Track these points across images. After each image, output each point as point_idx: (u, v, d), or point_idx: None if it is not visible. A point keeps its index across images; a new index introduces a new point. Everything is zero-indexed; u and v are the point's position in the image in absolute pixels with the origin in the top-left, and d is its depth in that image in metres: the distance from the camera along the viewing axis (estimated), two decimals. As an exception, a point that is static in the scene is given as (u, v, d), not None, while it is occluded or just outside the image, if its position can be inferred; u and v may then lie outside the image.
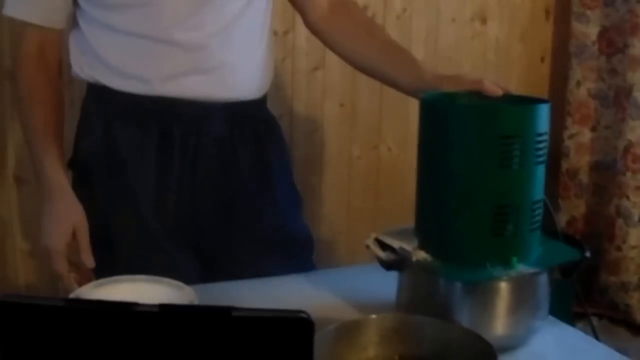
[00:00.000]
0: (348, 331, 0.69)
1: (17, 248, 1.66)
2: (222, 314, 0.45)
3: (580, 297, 0.89)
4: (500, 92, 0.84)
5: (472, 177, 0.75)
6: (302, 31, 1.70)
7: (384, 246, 0.83)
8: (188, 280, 0.86)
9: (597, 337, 0.87)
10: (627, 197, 2.00)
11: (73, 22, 1.02)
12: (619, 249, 2.03)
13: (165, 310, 0.46)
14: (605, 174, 2.13)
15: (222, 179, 1.04)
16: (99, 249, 1.03)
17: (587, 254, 0.81)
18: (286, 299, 0.92)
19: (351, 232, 1.98)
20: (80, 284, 0.90)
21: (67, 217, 0.91)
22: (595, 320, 2.00)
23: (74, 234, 0.92)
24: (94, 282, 0.89)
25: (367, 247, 0.84)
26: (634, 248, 2.01)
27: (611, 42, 2.05)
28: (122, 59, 0.97)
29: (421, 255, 0.78)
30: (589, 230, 2.19)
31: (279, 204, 1.09)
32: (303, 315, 0.45)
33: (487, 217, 0.75)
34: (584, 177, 2.18)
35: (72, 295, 0.84)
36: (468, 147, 0.74)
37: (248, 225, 1.06)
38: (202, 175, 1.03)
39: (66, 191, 0.93)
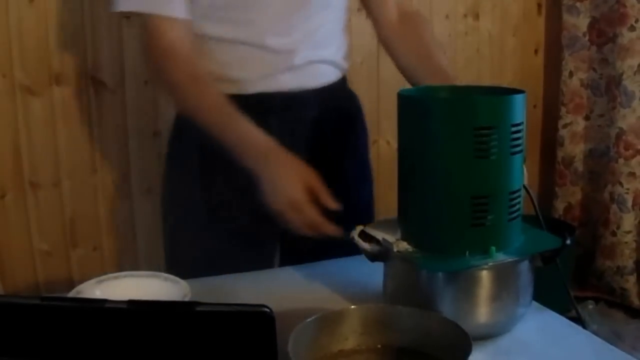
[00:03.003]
0: (329, 322, 0.67)
1: (34, 249, 1.67)
2: (187, 309, 0.44)
3: (564, 282, 0.86)
4: None
5: (449, 169, 0.73)
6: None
7: (370, 238, 0.82)
8: (269, 258, 0.96)
9: (583, 322, 0.85)
10: (620, 184, 1.97)
11: None
12: (614, 234, 2.00)
13: (134, 305, 0.45)
14: (599, 161, 2.09)
15: (314, 159, 0.99)
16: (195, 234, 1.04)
17: (568, 242, 0.78)
18: (278, 291, 0.91)
19: (355, 223, 1.97)
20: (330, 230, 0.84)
21: (295, 167, 0.85)
22: (592, 304, 1.98)
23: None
24: (95, 279, 0.89)
25: (352, 239, 0.82)
26: (628, 233, 1.98)
27: (601, 33, 2.02)
28: (224, 63, 0.98)
29: (403, 246, 0.76)
30: (585, 217, 2.17)
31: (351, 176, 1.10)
32: (265, 309, 0.43)
33: (465, 207, 0.73)
34: (579, 165, 2.15)
35: (73, 292, 0.84)
36: (444, 139, 0.72)
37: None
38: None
39: (279, 148, 0.87)
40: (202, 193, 1.04)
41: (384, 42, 1.10)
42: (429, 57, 1.05)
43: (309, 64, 1.02)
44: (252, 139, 0.86)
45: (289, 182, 0.82)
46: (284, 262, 1.04)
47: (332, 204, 0.83)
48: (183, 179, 1.06)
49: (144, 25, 0.92)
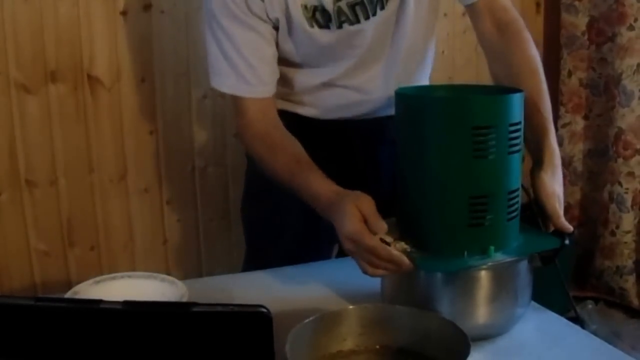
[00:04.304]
0: (327, 322, 0.67)
1: (31, 248, 1.67)
2: (183, 310, 0.44)
3: (563, 282, 0.86)
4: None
5: (447, 168, 0.73)
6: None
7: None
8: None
9: (582, 322, 0.85)
10: (620, 184, 1.97)
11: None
12: (613, 234, 2.00)
13: (129, 306, 0.45)
14: (599, 161, 2.10)
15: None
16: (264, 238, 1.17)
17: (567, 242, 0.78)
18: (276, 291, 0.91)
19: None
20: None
21: (349, 201, 0.83)
22: (591, 304, 1.98)
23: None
24: (92, 280, 0.89)
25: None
26: (627, 233, 1.98)
27: (600, 32, 2.02)
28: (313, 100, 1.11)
29: (401, 246, 0.76)
30: (585, 216, 2.17)
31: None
32: (262, 310, 0.43)
33: (463, 207, 0.73)
34: (578, 165, 2.15)
35: (70, 292, 0.84)
36: (442, 138, 0.72)
37: None
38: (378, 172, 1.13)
39: (344, 193, 0.87)
40: (274, 200, 1.12)
41: (484, 52, 1.07)
42: (517, 83, 0.97)
43: (387, 98, 1.08)
44: (321, 193, 0.90)
45: (346, 218, 0.80)
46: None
47: (378, 227, 0.78)
48: (259, 189, 1.17)
49: (232, 101, 1.05)
